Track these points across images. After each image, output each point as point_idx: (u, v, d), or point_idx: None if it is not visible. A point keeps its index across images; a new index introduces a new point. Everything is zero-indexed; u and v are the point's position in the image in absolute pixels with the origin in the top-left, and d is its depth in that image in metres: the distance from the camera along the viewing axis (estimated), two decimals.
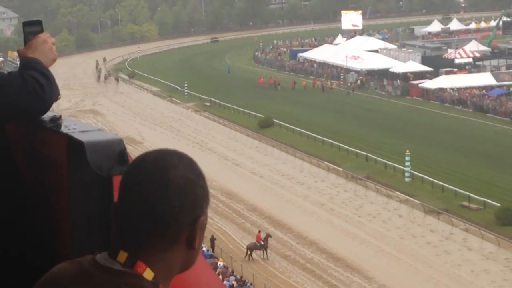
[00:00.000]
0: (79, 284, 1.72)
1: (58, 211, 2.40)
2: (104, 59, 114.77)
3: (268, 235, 39.40)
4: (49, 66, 2.54)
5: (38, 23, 2.64)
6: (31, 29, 2.62)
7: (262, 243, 38.80)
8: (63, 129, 2.39)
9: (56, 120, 2.48)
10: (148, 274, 1.74)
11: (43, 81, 2.45)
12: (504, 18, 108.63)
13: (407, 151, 50.88)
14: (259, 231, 40.15)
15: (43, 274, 1.83)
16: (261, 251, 38.98)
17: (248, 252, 38.70)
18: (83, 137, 2.25)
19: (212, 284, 2.46)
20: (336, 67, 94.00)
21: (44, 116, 2.50)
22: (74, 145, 2.25)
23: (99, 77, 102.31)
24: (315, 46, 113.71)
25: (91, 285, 1.72)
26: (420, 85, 79.02)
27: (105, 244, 2.07)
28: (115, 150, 2.21)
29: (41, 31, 2.62)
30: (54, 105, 2.54)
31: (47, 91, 2.44)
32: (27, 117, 2.48)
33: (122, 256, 1.74)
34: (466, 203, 44.28)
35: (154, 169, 1.75)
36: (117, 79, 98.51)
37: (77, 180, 2.23)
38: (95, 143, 2.23)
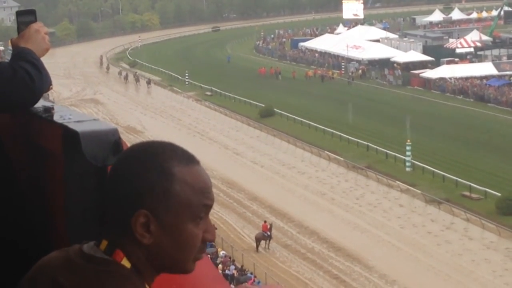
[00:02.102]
0: (64, 272, 1.74)
1: (53, 201, 2.40)
2: (102, 57, 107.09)
3: (270, 225, 39.36)
4: (41, 56, 2.53)
5: (32, 12, 2.62)
6: (24, 18, 2.60)
7: (269, 233, 38.75)
8: (59, 119, 2.38)
9: (50, 110, 2.47)
10: (127, 263, 1.74)
11: (33, 72, 2.44)
12: (506, 8, 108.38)
13: (408, 140, 50.88)
14: (265, 221, 39.98)
15: None
16: (264, 241, 38.91)
17: (258, 243, 38.59)
18: (78, 127, 2.25)
19: (208, 274, 2.45)
20: (337, 56, 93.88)
21: (38, 106, 2.50)
22: (69, 135, 2.25)
23: (126, 77, 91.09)
24: (316, 36, 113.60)
25: (75, 273, 1.73)
26: (421, 74, 78.94)
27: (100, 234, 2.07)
28: (110, 140, 2.21)
29: (35, 20, 2.60)
30: (56, 94, 2.53)
31: (37, 81, 2.43)
32: (17, 107, 2.47)
33: (103, 244, 1.75)
34: (467, 193, 44.28)
35: (137, 158, 1.75)
36: (148, 82, 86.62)
37: (72, 170, 2.22)
38: (90, 133, 2.22)
